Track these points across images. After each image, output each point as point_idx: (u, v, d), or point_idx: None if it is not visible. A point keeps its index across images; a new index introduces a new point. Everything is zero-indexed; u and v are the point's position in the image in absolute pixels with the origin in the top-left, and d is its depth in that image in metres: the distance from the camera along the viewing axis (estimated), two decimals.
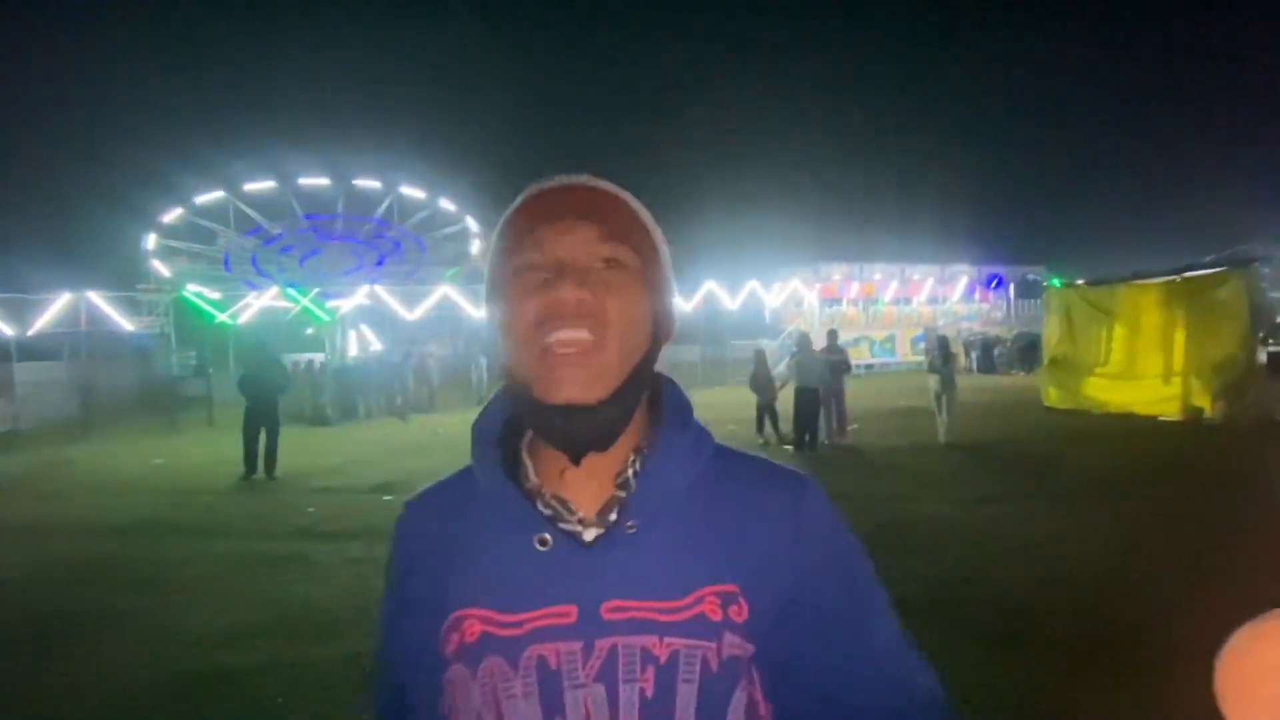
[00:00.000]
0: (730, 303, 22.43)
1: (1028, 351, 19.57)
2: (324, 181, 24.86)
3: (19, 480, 8.80)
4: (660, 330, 0.59)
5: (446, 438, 10.89)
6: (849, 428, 9.44)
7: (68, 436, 13.13)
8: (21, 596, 4.47)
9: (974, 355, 22.05)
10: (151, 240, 21.93)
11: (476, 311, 20.26)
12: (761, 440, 9.66)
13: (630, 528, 0.55)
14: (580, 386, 0.53)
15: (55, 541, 5.80)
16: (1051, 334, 12.54)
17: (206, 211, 23.30)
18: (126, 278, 19.94)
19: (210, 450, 10.42)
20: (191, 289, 18.94)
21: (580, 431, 0.54)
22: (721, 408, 14.69)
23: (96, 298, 15.93)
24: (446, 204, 26.10)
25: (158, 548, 5.52)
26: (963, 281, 26.64)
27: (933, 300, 26.16)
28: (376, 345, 20.08)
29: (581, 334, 0.53)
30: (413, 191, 25.53)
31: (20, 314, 14.65)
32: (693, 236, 36.55)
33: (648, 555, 0.54)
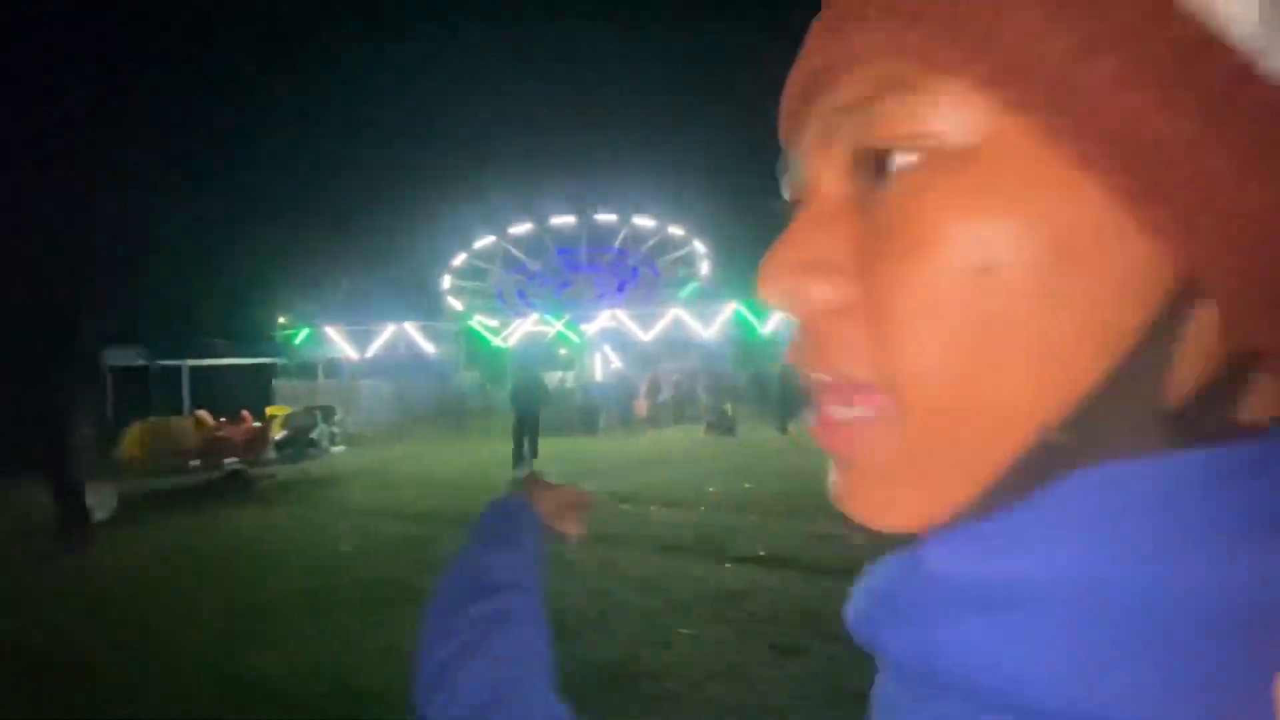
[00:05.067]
0: None
1: None
2: (570, 219, 27.92)
3: (360, 473, 11.14)
4: None
5: (677, 452, 11.19)
6: None
7: (391, 439, 16.42)
8: (357, 567, 5.51)
9: None
10: (446, 281, 26.78)
11: (705, 331, 20.77)
12: None
13: None
14: None
15: (381, 523, 7.14)
16: None
17: (482, 254, 27.70)
18: (431, 311, 24.53)
19: (488, 454, 12.10)
20: (476, 319, 22.55)
21: None
22: None
23: (410, 328, 19.86)
24: (675, 229, 27.49)
25: (445, 535, 6.44)
26: None
27: None
28: (617, 364, 21.65)
29: None
30: (644, 221, 27.37)
31: (362, 341, 18.91)
32: None
33: None
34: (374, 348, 19.23)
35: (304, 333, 19.06)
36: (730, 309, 20.04)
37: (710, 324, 20.33)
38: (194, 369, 12.16)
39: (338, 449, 11.86)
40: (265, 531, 7.01)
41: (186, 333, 14.66)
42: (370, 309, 20.15)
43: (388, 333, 19.36)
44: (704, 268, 27.91)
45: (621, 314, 21.17)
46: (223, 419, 10.82)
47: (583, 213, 27.75)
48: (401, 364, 20.82)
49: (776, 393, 15.08)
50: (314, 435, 11.33)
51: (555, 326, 22.25)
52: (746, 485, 7.93)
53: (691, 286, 26.11)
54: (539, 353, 20.41)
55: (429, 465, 11.65)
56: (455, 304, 26.04)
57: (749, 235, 28.22)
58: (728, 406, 14.62)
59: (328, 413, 12.12)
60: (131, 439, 9.66)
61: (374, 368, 20.25)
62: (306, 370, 17.91)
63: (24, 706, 3.34)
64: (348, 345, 18.64)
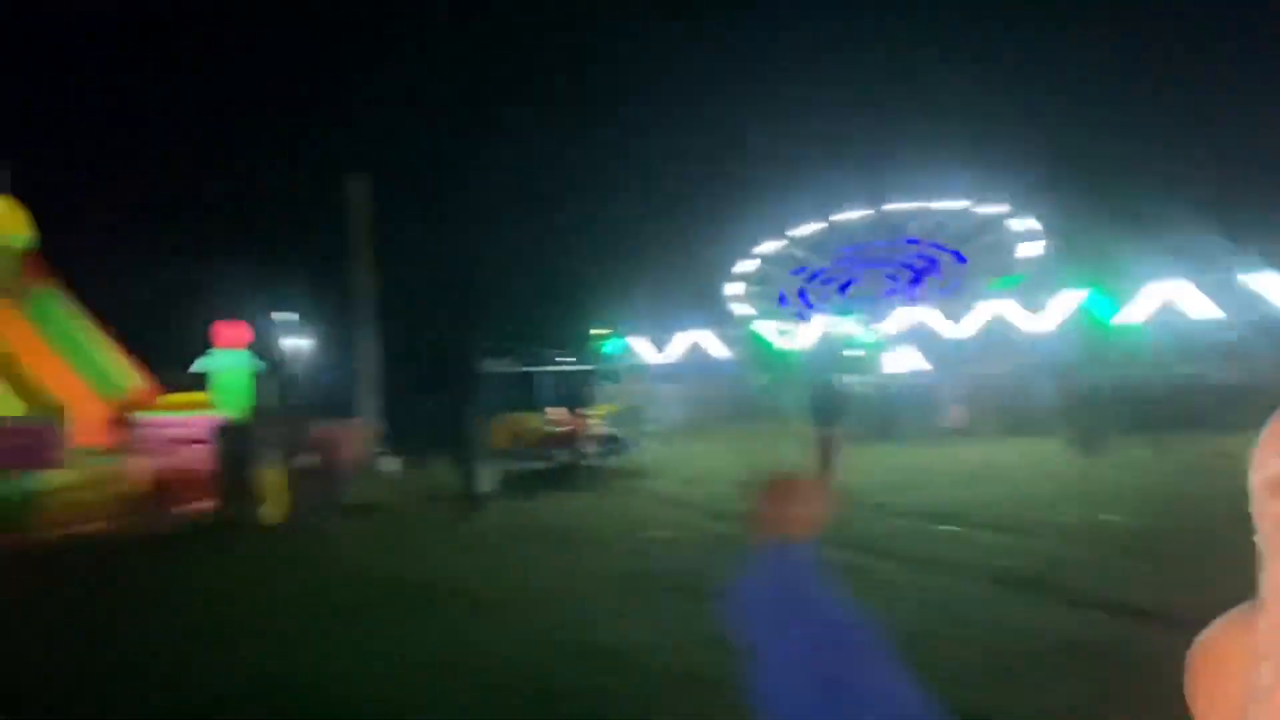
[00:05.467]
0: None
1: None
2: (859, 213, 26.32)
3: (665, 469, 12.22)
4: None
5: (1009, 468, 9.68)
6: None
7: (689, 438, 17.69)
8: (670, 556, 6.02)
9: None
10: (732, 287, 27.71)
11: (1036, 325, 17.50)
12: None
13: None
14: None
15: (686, 515, 7.71)
16: None
17: (765, 258, 27.88)
18: (722, 317, 25.71)
19: (779, 456, 12.18)
20: (762, 323, 22.98)
21: None
22: None
23: (704, 334, 21.23)
24: (986, 210, 23.82)
25: (745, 533, 6.64)
26: None
27: None
28: (920, 365, 19.72)
29: None
30: (946, 204, 24.36)
31: (662, 347, 20.89)
32: None
33: None
34: (672, 353, 21.05)
35: (615, 341, 21.84)
36: (1072, 299, 16.61)
37: (1043, 316, 17.13)
38: (541, 374, 14.91)
39: (646, 445, 13.24)
40: (591, 515, 8.17)
41: (535, 344, 18.14)
42: (669, 317, 22.09)
43: (684, 339, 21.01)
44: (1031, 251, 23.35)
45: (925, 309, 19.27)
46: (559, 417, 13.01)
47: (873, 202, 25.99)
48: (697, 368, 22.35)
49: (1146, 403, 11.89)
50: (627, 433, 12.86)
51: (847, 327, 21.32)
52: (1108, 516, 6.46)
53: (1008, 276, 22.24)
54: (832, 356, 19.77)
55: (724, 464, 12.13)
56: (741, 309, 26.80)
57: (1094, 215, 22.58)
58: (1090, 418, 11.95)
59: (637, 413, 13.65)
60: (497, 431, 12.27)
61: (673, 371, 22.12)
62: (618, 374, 20.47)
63: (419, 629, 4.47)
64: (650, 351, 20.75)
